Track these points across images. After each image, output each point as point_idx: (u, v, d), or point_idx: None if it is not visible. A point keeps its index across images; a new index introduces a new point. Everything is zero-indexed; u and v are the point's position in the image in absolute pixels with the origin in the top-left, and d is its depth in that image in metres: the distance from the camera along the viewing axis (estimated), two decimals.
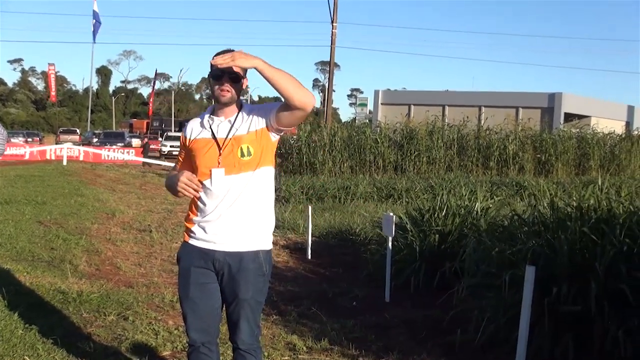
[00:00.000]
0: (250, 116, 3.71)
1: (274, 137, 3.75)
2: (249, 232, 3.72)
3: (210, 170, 3.67)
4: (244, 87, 3.76)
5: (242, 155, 3.65)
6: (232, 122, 3.70)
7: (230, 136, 3.68)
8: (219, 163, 3.66)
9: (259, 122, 3.69)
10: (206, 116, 3.79)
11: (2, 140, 3.38)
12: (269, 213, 3.83)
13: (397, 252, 8.24)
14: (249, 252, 3.72)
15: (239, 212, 3.67)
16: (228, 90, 3.63)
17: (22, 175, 19.37)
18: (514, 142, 28.14)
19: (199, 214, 3.75)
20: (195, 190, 3.63)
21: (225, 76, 3.59)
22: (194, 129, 3.82)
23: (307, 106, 3.49)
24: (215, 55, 3.52)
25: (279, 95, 3.48)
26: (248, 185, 3.68)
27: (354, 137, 26.70)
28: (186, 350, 5.36)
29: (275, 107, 3.64)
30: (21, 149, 36.59)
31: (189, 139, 3.81)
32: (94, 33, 51.67)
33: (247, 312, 3.75)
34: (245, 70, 3.64)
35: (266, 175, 3.76)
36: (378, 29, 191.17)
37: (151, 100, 74.52)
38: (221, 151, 3.67)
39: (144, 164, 32.92)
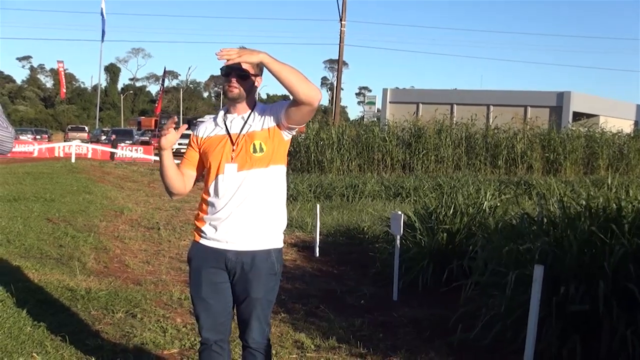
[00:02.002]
0: (264, 114, 3.73)
1: (287, 136, 3.76)
2: (261, 231, 3.72)
3: (224, 166, 3.68)
4: (257, 85, 3.77)
5: (255, 151, 3.65)
6: (246, 119, 3.72)
7: (244, 132, 3.69)
8: (232, 158, 3.67)
9: (270, 121, 3.70)
10: (220, 113, 3.82)
11: (10, 139, 3.38)
12: (280, 211, 3.82)
13: (405, 251, 8.23)
14: (261, 251, 3.72)
15: (250, 210, 3.67)
16: (236, 87, 3.64)
17: (31, 173, 19.41)
18: (523, 141, 28.16)
19: (209, 212, 3.75)
20: (172, 121, 3.69)
21: (233, 73, 3.61)
22: (208, 128, 3.83)
23: (314, 100, 3.50)
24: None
25: (287, 94, 3.50)
26: (259, 182, 3.68)
27: (362, 136, 26.76)
28: (194, 348, 5.41)
29: (284, 105, 3.66)
30: (30, 146, 36.66)
31: (202, 138, 3.81)
32: (102, 33, 51.66)
33: (258, 311, 3.76)
34: (260, 68, 3.67)
35: (278, 173, 3.77)
36: (387, 28, 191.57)
37: (160, 98, 74.48)
38: (234, 147, 3.68)
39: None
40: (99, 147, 36.41)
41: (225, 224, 3.68)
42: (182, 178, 3.83)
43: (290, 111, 3.61)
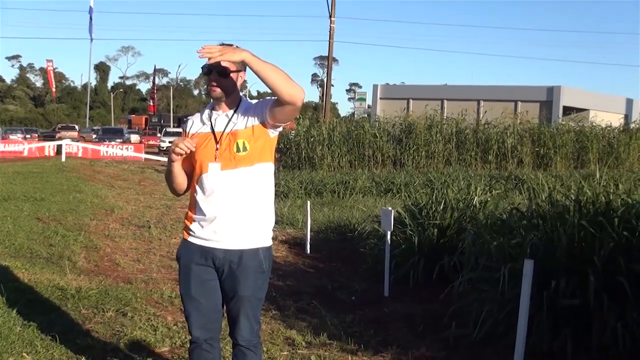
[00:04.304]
0: (248, 112, 3.69)
1: (272, 133, 3.72)
2: (248, 230, 3.69)
3: (208, 165, 3.66)
4: (240, 81, 3.73)
5: (238, 150, 3.62)
6: (230, 117, 3.69)
7: (227, 130, 3.66)
8: (215, 157, 3.65)
9: (255, 118, 3.67)
10: (206, 111, 3.79)
11: None
12: (268, 210, 3.80)
13: (396, 247, 8.24)
14: (248, 250, 3.69)
15: (237, 209, 3.65)
16: (217, 85, 3.62)
17: (21, 172, 19.37)
18: (513, 136, 28.17)
19: (197, 211, 3.73)
20: (187, 146, 3.61)
21: (213, 71, 3.58)
22: (195, 124, 3.80)
23: (296, 100, 3.46)
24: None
25: None
26: (245, 181, 3.65)
27: (353, 132, 26.74)
28: (185, 346, 5.39)
29: (269, 102, 3.62)
30: (20, 145, 36.56)
31: (190, 134, 3.78)
32: (90, 30, 51.47)
33: (246, 309, 3.74)
34: (243, 64, 3.60)
35: (264, 171, 3.74)
36: (376, 23, 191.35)
37: (154, 97, 73.89)
38: (218, 145, 3.65)
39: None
40: (89, 146, 36.31)
41: (213, 223, 3.66)
42: (186, 178, 3.82)
43: (275, 110, 3.57)
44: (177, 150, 3.62)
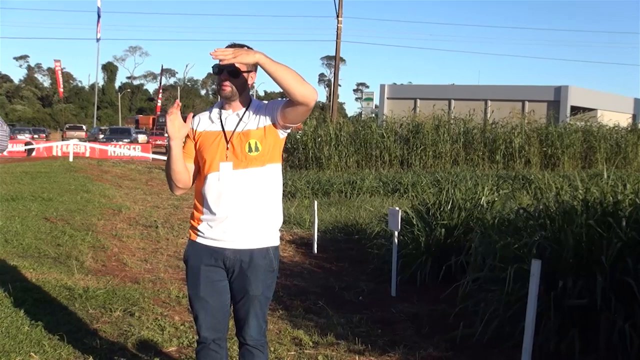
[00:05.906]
0: (259, 112, 3.70)
1: (282, 134, 3.73)
2: (259, 229, 3.69)
3: (219, 164, 3.65)
4: (251, 81, 3.73)
5: (250, 150, 3.62)
6: (241, 116, 3.69)
7: (238, 130, 3.66)
8: (226, 157, 3.65)
9: (266, 119, 3.67)
10: (215, 110, 3.78)
11: (5, 137, 3.36)
12: (277, 209, 3.80)
13: (403, 247, 8.23)
14: (259, 249, 3.70)
15: (248, 209, 3.65)
16: (228, 85, 3.62)
17: (29, 172, 19.40)
18: (520, 136, 28.16)
19: (205, 211, 3.71)
20: (176, 105, 3.73)
21: (224, 71, 3.58)
22: (202, 121, 3.79)
23: (309, 101, 3.48)
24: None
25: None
26: (256, 181, 3.65)
27: (360, 132, 26.76)
28: (192, 346, 5.40)
29: (280, 103, 3.63)
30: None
31: (197, 131, 3.77)
32: (97, 30, 51.62)
33: (256, 308, 3.74)
34: (253, 65, 3.60)
35: (274, 171, 3.74)
36: (384, 23, 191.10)
37: (159, 96, 74.04)
38: (229, 145, 3.65)
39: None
40: (97, 146, 36.36)
41: (223, 223, 3.65)
42: (188, 171, 3.77)
43: (286, 111, 3.58)
44: (169, 113, 3.69)
